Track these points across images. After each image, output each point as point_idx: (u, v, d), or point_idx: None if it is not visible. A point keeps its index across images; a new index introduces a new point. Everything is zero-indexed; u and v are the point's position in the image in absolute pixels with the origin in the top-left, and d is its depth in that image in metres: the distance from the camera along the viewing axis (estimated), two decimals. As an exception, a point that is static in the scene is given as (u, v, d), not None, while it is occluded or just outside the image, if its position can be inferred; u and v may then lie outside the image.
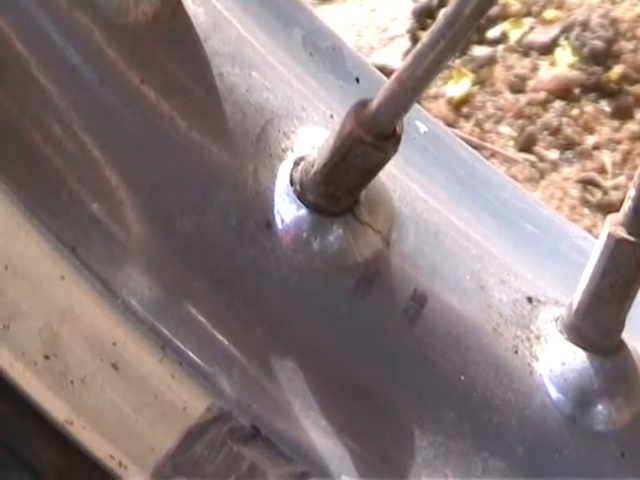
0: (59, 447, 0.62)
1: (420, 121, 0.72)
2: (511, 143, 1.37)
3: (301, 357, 0.63)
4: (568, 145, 1.36)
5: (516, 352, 0.65)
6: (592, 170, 1.34)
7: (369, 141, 0.61)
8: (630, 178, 1.31)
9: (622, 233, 0.64)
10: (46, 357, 0.60)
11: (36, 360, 0.61)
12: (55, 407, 0.61)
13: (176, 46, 0.64)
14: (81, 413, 0.62)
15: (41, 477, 0.63)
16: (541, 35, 1.44)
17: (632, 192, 0.64)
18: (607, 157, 1.35)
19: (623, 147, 1.35)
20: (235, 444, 0.61)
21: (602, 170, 1.34)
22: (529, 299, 0.67)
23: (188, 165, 0.64)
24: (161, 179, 0.63)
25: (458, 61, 1.40)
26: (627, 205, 0.64)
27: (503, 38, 1.44)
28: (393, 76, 0.61)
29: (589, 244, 0.70)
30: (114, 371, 0.61)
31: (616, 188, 1.32)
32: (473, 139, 1.33)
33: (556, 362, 0.65)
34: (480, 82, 1.41)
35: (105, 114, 0.62)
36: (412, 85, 0.61)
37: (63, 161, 0.61)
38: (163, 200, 0.63)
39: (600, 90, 1.40)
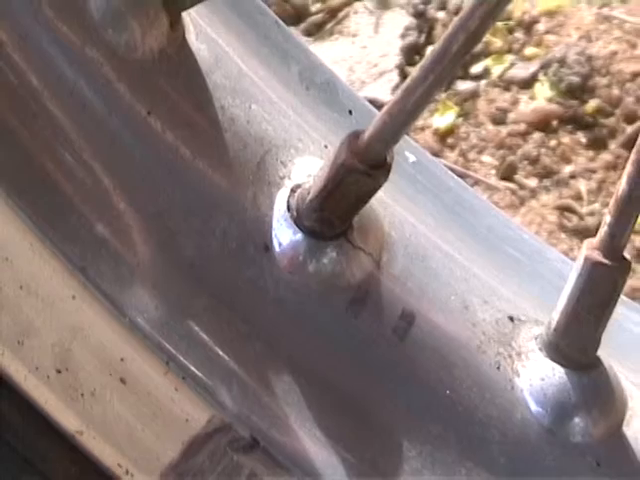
0: (70, 455, 0.62)
1: (409, 151, 0.71)
2: (493, 172, 1.37)
3: (297, 372, 0.63)
4: (546, 174, 1.36)
5: (498, 368, 0.65)
6: (569, 197, 1.34)
7: (362, 170, 0.61)
8: (605, 205, 1.31)
9: (598, 257, 0.64)
10: (58, 371, 0.60)
11: (49, 374, 0.60)
12: (66, 418, 0.61)
13: (181, 80, 0.64)
14: (91, 424, 0.61)
15: (52, 484, 0.63)
16: (521, 71, 1.44)
17: (608, 218, 0.64)
18: (583, 185, 1.35)
19: (598, 176, 1.35)
20: (235, 454, 0.60)
21: (578, 197, 1.34)
22: (511, 318, 0.67)
23: (191, 192, 0.63)
24: (166, 205, 0.63)
25: (444, 95, 1.40)
26: (603, 230, 0.64)
27: (486, 73, 1.44)
28: (384, 109, 0.61)
29: (567, 267, 0.69)
30: (122, 385, 0.60)
31: (591, 214, 1.32)
32: (458, 168, 1.33)
33: (536, 377, 0.65)
34: (464, 114, 1.41)
35: (113, 144, 0.62)
36: (402, 118, 0.61)
37: (74, 187, 0.61)
38: (168, 224, 0.62)
39: (576, 122, 1.40)
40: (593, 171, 1.36)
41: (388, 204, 0.66)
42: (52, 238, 0.60)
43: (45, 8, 0.61)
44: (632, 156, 0.64)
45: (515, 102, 1.41)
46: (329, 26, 1.47)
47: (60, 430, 0.61)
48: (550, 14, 1.48)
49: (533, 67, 1.43)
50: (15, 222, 0.59)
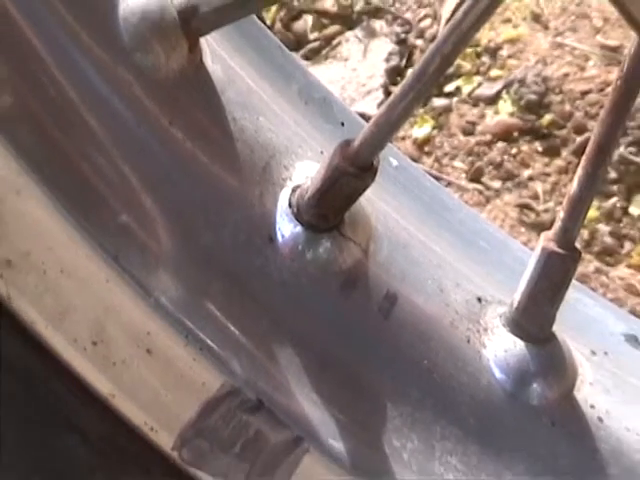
0: (103, 415, 0.62)
1: (392, 157, 0.72)
2: (463, 175, 1.36)
3: (297, 344, 0.63)
4: (508, 177, 1.36)
5: (468, 341, 0.65)
6: (527, 197, 1.34)
7: (352, 172, 0.61)
8: (558, 204, 1.32)
9: (553, 247, 0.64)
10: (94, 343, 0.60)
11: (86, 346, 0.60)
12: (100, 383, 0.61)
13: (198, 96, 0.64)
14: (121, 388, 0.61)
15: (89, 440, 0.63)
16: (487, 90, 1.43)
17: (561, 214, 0.64)
18: (539, 187, 1.35)
19: (552, 179, 1.35)
20: (243, 414, 0.60)
21: (535, 197, 1.34)
22: (479, 299, 0.67)
23: (207, 191, 0.63)
24: (186, 202, 0.62)
25: (421, 110, 1.40)
26: (557, 225, 0.64)
27: (457, 92, 1.43)
28: (371, 121, 0.61)
29: (526, 256, 0.69)
30: (148, 355, 0.60)
31: (546, 211, 1.32)
32: (433, 172, 1.33)
33: (500, 349, 0.65)
34: (439, 126, 1.40)
35: (141, 150, 0.62)
36: (386, 128, 0.61)
37: (107, 186, 0.61)
38: (187, 219, 0.62)
39: (534, 133, 1.40)
40: (548, 175, 1.36)
41: (374, 202, 0.66)
42: (89, 230, 0.60)
43: (83, 35, 0.61)
44: (581, 162, 0.64)
45: (482, 116, 1.41)
46: (324, 52, 1.46)
47: (95, 394, 0.62)
48: (512, 41, 1.47)
49: (497, 86, 1.43)
50: (56, 216, 0.59)
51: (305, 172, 0.65)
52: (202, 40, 0.64)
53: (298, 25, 1.46)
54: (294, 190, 0.64)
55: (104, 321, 0.60)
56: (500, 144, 1.38)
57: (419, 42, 1.49)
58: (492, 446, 0.64)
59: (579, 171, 0.64)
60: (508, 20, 1.48)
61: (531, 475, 0.63)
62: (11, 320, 0.61)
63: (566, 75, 1.42)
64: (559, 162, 1.36)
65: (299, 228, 0.63)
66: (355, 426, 0.62)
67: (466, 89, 1.44)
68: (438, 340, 0.65)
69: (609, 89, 1.33)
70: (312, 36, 1.47)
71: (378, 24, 1.47)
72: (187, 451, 0.61)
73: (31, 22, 0.60)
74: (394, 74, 1.44)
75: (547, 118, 1.40)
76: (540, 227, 1.28)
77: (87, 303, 0.60)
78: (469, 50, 1.45)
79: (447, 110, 1.41)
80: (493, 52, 1.47)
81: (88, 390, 0.61)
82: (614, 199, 1.31)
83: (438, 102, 1.41)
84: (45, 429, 0.63)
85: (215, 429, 0.61)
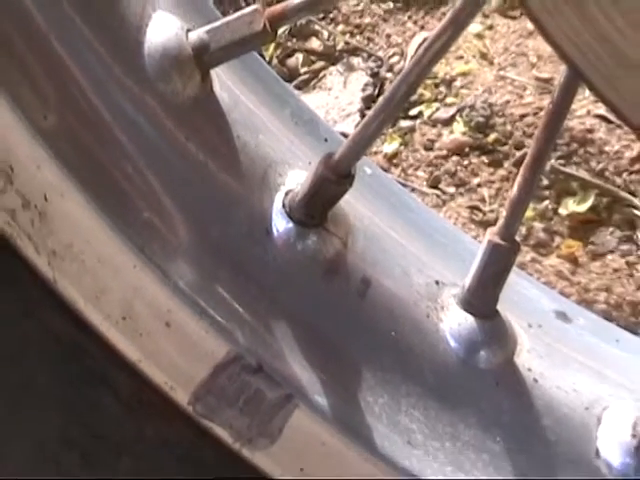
0: (133, 376, 0.62)
1: (367, 167, 0.71)
2: (424, 183, 1.36)
3: (290, 320, 0.62)
4: (461, 184, 1.35)
5: (428, 317, 0.65)
6: (476, 200, 1.33)
7: (333, 180, 0.61)
8: (501, 205, 1.31)
9: (497, 240, 0.64)
10: (124, 318, 0.60)
11: (117, 320, 0.60)
12: (130, 351, 0.61)
13: (209, 117, 0.64)
14: (147, 355, 0.61)
15: (120, 396, 0.63)
16: (444, 113, 1.43)
17: (503, 214, 0.64)
18: (486, 192, 1.34)
19: (496, 185, 1.34)
20: (246, 376, 0.60)
21: (483, 200, 1.33)
22: (437, 282, 0.66)
23: (216, 193, 0.63)
24: (199, 202, 0.62)
25: (390, 129, 1.39)
26: (500, 222, 0.64)
27: (420, 115, 1.42)
28: (349, 137, 0.61)
29: (476, 247, 0.68)
30: (167, 328, 0.60)
31: (492, 212, 1.31)
32: (400, 180, 1.33)
33: (454, 323, 0.65)
34: (405, 143, 1.39)
35: (162, 160, 0.62)
36: (362, 143, 0.61)
37: (134, 190, 0.60)
38: (200, 215, 0.62)
39: (482, 149, 1.39)
40: (493, 182, 1.35)
41: (352, 203, 0.66)
42: (119, 226, 0.59)
43: (115, 67, 0.61)
44: (520, 172, 0.63)
45: (440, 135, 1.40)
46: (312, 83, 1.45)
47: (125, 359, 0.61)
48: (464, 74, 1.47)
49: (452, 111, 1.42)
50: (93, 215, 0.59)
51: (296, 179, 0.65)
52: (212, 72, 0.64)
53: (291, 61, 1.45)
54: (287, 193, 0.63)
55: (132, 300, 0.60)
56: (454, 157, 1.37)
57: (389, 75, 1.48)
58: (448, 402, 0.63)
59: (518, 179, 0.63)
60: (460, 57, 1.48)
61: (480, 425, 0.63)
62: (58, 299, 0.61)
63: (508, 102, 1.42)
64: (502, 172, 1.36)
65: (291, 224, 0.63)
66: (336, 386, 0.62)
67: (427, 113, 1.43)
68: (404, 316, 0.65)
69: (542, 113, 1.33)
70: (302, 70, 1.46)
71: (356, 60, 1.46)
72: (200, 406, 0.61)
73: (73, 56, 0.59)
74: (369, 101, 1.43)
75: (492, 136, 1.39)
76: (487, 224, 1.28)
77: (118, 286, 0.60)
78: (429, 81, 1.44)
79: (411, 130, 1.40)
80: (449, 83, 1.46)
81: (119, 356, 0.61)
82: (546, 202, 1.31)
83: (404, 123, 1.40)
84: (84, 388, 0.63)
85: (222, 388, 0.60)
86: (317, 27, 1.43)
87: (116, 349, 0.61)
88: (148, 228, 0.60)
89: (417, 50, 0.62)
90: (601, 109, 1.36)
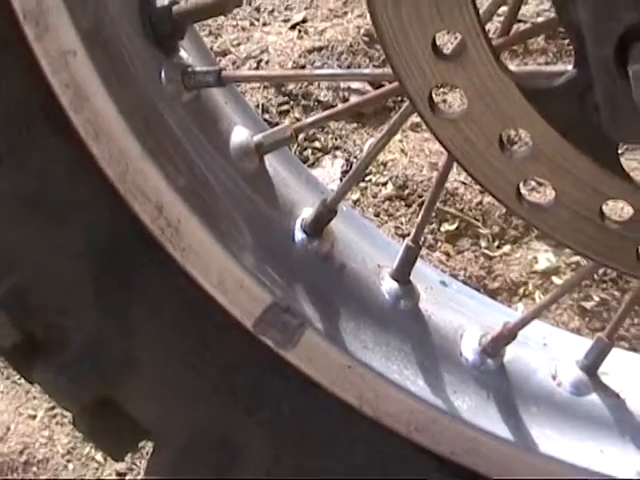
0: (225, 316, 0.59)
1: (344, 206, 0.67)
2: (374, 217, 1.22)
3: (303, 285, 0.61)
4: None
5: (374, 284, 0.64)
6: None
7: (326, 212, 0.62)
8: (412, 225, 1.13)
9: (410, 243, 0.64)
10: (220, 283, 0.58)
11: (215, 285, 0.58)
12: (221, 299, 0.58)
13: (262, 180, 0.63)
14: (230, 302, 0.58)
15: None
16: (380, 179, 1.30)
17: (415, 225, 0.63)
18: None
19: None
20: (280, 312, 0.59)
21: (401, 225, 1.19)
22: (379, 265, 0.66)
23: (265, 218, 0.62)
24: (253, 220, 0.61)
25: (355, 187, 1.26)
26: (412, 231, 0.63)
27: (369, 181, 1.30)
28: (335, 190, 0.62)
29: (399, 246, 0.66)
30: (241, 288, 0.58)
31: (412, 226, 1.13)
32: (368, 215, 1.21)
33: (388, 287, 0.65)
34: (363, 194, 1.27)
35: (238, 201, 0.60)
36: (341, 193, 0.62)
37: (224, 217, 0.58)
38: (257, 229, 0.60)
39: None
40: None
41: (336, 225, 0.65)
42: (217, 234, 0.56)
43: (216, 155, 0.59)
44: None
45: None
46: (315, 163, 1.35)
47: (219, 304, 0.58)
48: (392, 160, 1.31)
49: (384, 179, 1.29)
50: (202, 226, 0.56)
51: (307, 211, 0.63)
52: (265, 157, 0.63)
53: (305, 153, 1.36)
54: (303, 219, 0.62)
55: (229, 274, 0.57)
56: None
57: (354, 160, 1.33)
58: (383, 326, 0.62)
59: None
60: (390, 151, 1.34)
61: (398, 340, 0.62)
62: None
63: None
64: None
65: (304, 235, 0.62)
66: (325, 320, 0.60)
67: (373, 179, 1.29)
68: (361, 282, 0.64)
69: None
70: (311, 157, 1.37)
71: (338, 152, 1.35)
72: (258, 328, 0.58)
73: (194, 149, 0.57)
74: (344, 173, 1.32)
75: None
76: (406, 235, 1.09)
77: (218, 268, 0.56)
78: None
79: (365, 188, 1.30)
80: (384, 164, 1.36)
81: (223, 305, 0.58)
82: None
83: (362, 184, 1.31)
84: (191, 347, 0.59)
85: (269, 319, 0.58)
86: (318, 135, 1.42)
87: (220, 303, 0.59)
88: (229, 234, 0.58)
89: (369, 147, 0.66)
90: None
